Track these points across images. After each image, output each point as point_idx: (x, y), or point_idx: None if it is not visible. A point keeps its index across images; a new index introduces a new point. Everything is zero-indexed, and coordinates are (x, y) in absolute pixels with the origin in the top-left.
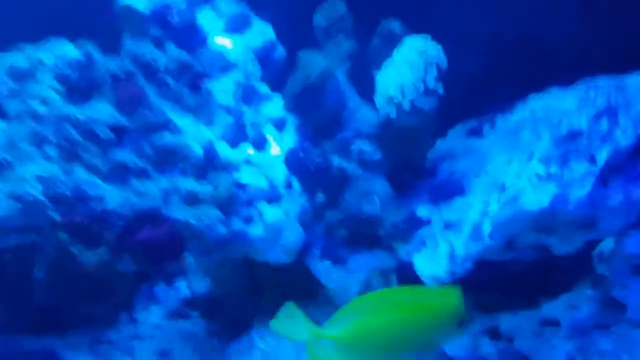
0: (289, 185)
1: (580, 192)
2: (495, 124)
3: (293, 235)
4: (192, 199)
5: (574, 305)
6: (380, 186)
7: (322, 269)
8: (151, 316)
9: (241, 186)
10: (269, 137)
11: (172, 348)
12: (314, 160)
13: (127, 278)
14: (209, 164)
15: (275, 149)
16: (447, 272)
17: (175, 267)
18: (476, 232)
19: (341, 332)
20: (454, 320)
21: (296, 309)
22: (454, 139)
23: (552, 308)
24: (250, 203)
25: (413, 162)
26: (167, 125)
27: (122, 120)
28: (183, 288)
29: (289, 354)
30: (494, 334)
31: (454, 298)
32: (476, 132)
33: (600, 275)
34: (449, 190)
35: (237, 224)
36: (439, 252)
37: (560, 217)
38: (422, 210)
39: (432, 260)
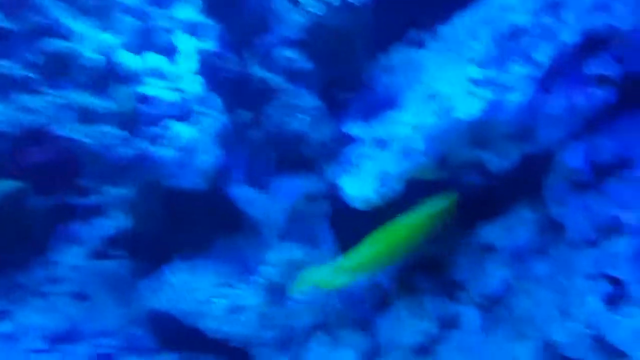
0: (204, 100)
1: (518, 98)
2: (438, 33)
3: (209, 156)
4: (88, 116)
5: (511, 228)
6: (308, 101)
7: (245, 195)
8: (67, 256)
9: (147, 100)
10: (181, 44)
11: (88, 289)
12: (232, 70)
13: (36, 214)
14: (108, 75)
15: (188, 58)
16: (377, 194)
17: (91, 200)
18: (408, 148)
19: (356, 258)
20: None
21: (309, 271)
22: (395, 51)
23: (489, 232)
24: (158, 120)
25: (347, 73)
26: (58, 30)
27: (4, 23)
28: (101, 224)
29: (202, 289)
30: (427, 261)
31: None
32: (418, 43)
33: (539, 194)
34: (383, 105)
35: (143, 145)
36: (369, 173)
37: (495, 127)
38: (354, 128)
39: (362, 181)
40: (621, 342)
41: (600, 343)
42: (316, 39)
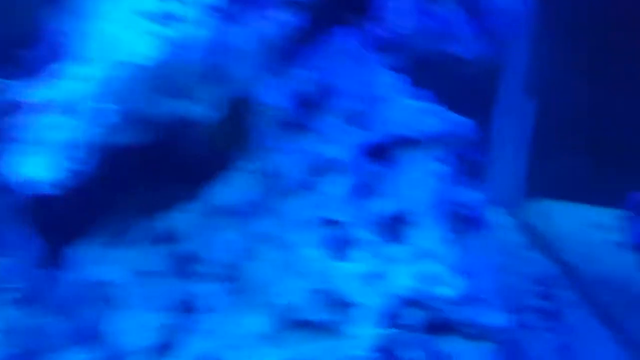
0: None
1: (203, 33)
2: None
3: None
4: None
5: (232, 185)
6: None
7: None
8: None
9: None
10: None
11: None
12: None
13: None
14: None
15: None
16: (67, 172)
17: None
18: (92, 109)
19: None
20: None
21: None
22: None
23: (213, 193)
24: None
25: (11, 25)
26: None
27: None
28: None
29: None
30: (162, 239)
31: None
32: None
33: (251, 142)
34: (58, 59)
35: None
36: (53, 148)
37: (184, 71)
38: (27, 92)
39: (46, 160)
40: (348, 290)
41: (330, 296)
42: None
